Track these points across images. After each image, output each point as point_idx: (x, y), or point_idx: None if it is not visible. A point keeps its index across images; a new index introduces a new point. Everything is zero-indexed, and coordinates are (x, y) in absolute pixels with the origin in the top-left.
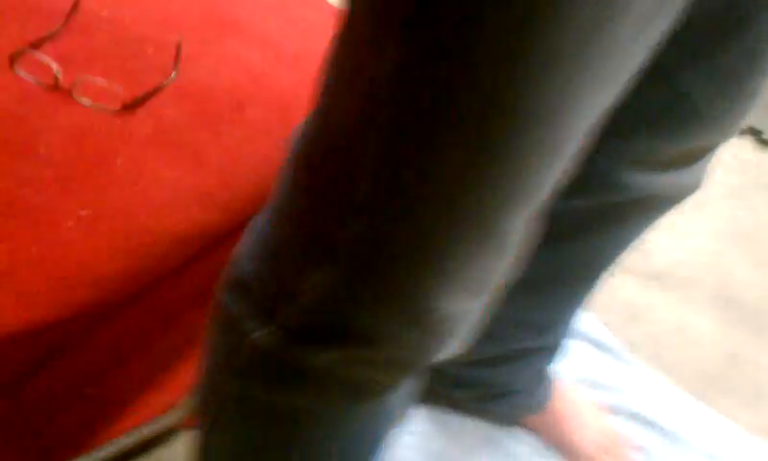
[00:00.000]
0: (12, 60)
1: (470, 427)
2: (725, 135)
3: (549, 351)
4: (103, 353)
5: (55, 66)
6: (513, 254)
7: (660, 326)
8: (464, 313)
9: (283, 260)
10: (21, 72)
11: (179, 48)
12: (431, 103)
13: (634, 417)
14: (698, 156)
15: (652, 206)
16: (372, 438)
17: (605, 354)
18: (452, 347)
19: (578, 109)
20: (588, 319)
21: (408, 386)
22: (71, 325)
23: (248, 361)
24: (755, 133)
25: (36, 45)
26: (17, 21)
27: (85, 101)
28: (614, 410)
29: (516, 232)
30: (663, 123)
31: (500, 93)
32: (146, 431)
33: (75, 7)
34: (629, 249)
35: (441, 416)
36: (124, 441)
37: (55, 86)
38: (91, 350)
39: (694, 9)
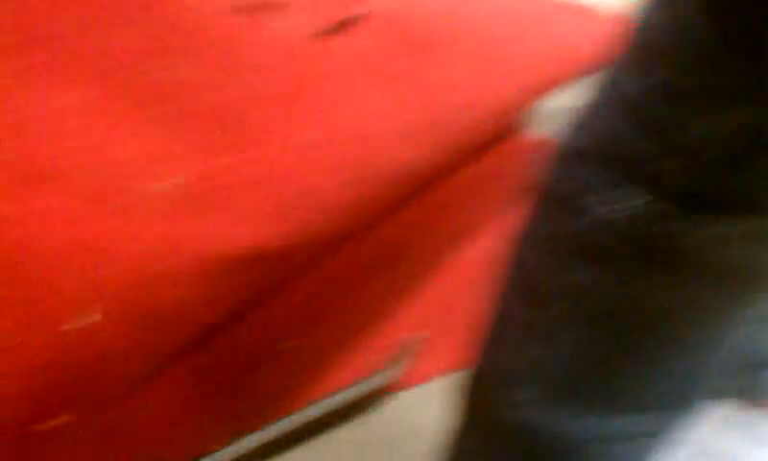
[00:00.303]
0: None
1: (715, 406)
2: None
3: None
4: (306, 301)
5: None
6: None
7: None
8: None
9: (664, 110)
10: None
11: None
12: None
13: None
14: None
15: None
16: (718, 353)
17: None
18: None
19: None
20: None
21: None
22: (285, 255)
23: (597, 245)
24: None
25: None
26: None
27: (283, 24)
28: None
29: None
30: None
31: None
32: (349, 395)
33: None
34: None
35: None
36: (324, 405)
37: (253, 7)
38: (294, 295)
39: None
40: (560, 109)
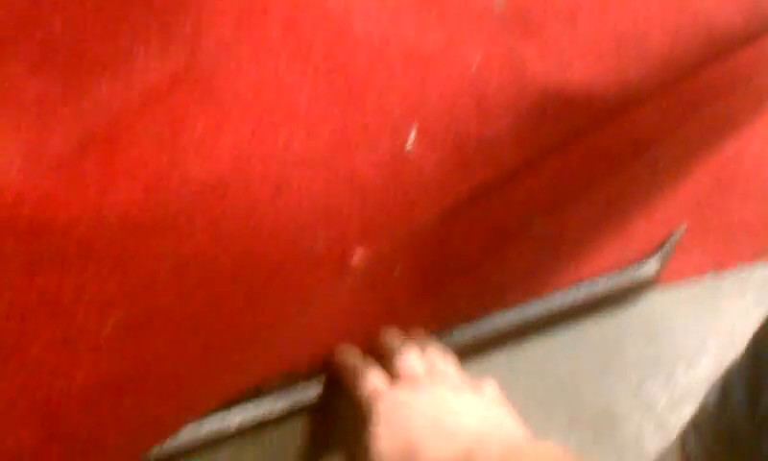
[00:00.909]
0: None
1: None
2: None
3: None
4: (565, 174)
5: None
6: None
7: None
8: None
9: None
10: None
11: None
12: None
13: None
14: None
15: None
16: None
17: None
18: None
19: None
20: None
21: None
22: (598, 103)
23: None
24: None
25: None
26: None
27: None
28: None
29: None
30: None
31: None
32: (600, 286)
33: None
34: None
35: None
36: (571, 294)
37: None
38: (555, 162)
39: None
40: None
